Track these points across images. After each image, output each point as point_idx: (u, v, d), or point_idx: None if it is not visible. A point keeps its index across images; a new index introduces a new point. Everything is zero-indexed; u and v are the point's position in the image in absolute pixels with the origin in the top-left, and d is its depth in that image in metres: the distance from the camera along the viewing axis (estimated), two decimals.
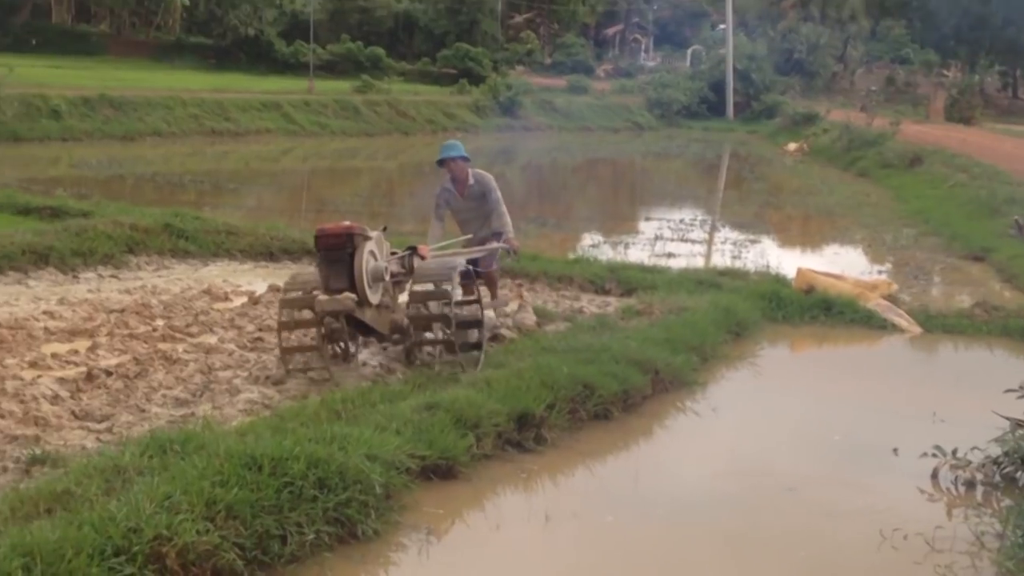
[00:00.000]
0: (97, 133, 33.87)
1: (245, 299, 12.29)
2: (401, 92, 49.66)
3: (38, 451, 7.18)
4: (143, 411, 8.35)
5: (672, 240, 19.58)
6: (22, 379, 8.83)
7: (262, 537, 6.04)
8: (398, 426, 7.55)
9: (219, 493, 6.06)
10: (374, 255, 9.17)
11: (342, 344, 9.95)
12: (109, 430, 7.88)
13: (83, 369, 9.24)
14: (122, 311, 11.32)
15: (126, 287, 12.67)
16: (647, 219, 22.96)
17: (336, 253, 8.94)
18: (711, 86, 61.00)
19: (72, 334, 10.38)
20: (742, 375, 10.99)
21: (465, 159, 11.00)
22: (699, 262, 17.42)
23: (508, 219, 11.18)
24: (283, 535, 6.13)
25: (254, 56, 66.80)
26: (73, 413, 8.21)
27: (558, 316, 12.18)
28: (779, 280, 14.39)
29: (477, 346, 9.88)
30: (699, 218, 23.79)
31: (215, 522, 5.91)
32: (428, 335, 9.96)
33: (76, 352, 9.78)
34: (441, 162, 11.06)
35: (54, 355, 9.60)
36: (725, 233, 21.36)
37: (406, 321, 9.68)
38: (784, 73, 65.68)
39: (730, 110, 60.05)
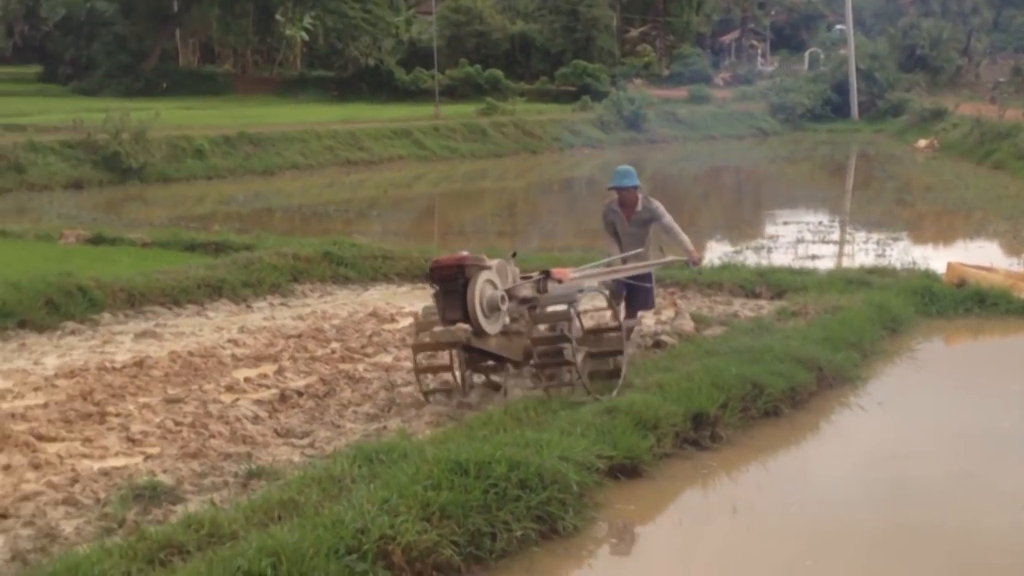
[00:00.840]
0: (239, 170, 35.14)
1: (410, 319, 12.80)
2: (525, 112, 50.30)
3: (253, 466, 7.72)
4: (338, 426, 8.89)
5: (813, 243, 19.71)
6: (222, 402, 9.45)
7: (474, 535, 6.48)
8: (582, 430, 7.94)
9: (432, 496, 6.52)
10: (492, 284, 9.13)
11: (490, 376, 9.98)
12: (311, 445, 8.43)
13: (275, 391, 9.82)
14: (299, 336, 11.93)
15: (297, 314, 13.30)
16: (785, 223, 23.06)
17: (451, 284, 8.98)
18: (834, 87, 60.43)
19: (258, 359, 10.99)
20: (902, 370, 11.16)
21: (637, 188, 11.07)
22: (844, 262, 17.54)
23: (684, 236, 11.27)
24: (492, 532, 6.55)
25: (375, 85, 68.21)
26: (275, 431, 8.77)
27: (714, 321, 12.46)
28: (929, 275, 14.46)
29: (615, 374, 9.59)
30: (837, 219, 23.86)
31: (431, 522, 6.36)
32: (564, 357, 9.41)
33: (266, 376, 10.38)
34: (615, 188, 11.14)
35: (246, 379, 10.21)
36: (865, 232, 21.39)
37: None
38: (907, 70, 64.71)
39: (855, 110, 59.39)
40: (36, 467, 7.91)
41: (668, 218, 11.14)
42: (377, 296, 14.60)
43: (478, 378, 9.98)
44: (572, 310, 9.15)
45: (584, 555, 6.83)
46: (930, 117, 50.32)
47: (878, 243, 19.46)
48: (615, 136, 48.55)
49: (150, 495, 7.18)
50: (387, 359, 11.11)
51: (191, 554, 6.00)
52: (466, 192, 35.58)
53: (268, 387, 10.02)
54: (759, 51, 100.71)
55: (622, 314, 10.76)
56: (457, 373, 9.64)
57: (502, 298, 9.12)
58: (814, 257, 17.92)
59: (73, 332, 12.20)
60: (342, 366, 10.73)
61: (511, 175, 39.21)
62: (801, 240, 19.86)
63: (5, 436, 8.41)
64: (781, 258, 17.70)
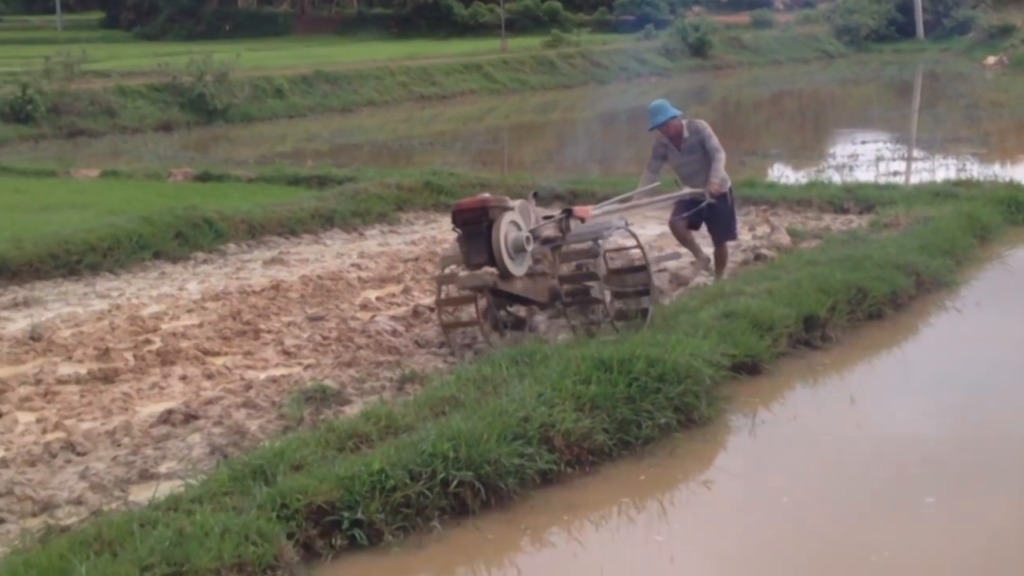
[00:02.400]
0: (318, 108, 35.99)
1: None
2: (590, 43, 50.59)
3: (405, 371, 8.48)
4: (472, 337, 9.60)
5: (893, 160, 20.14)
6: (360, 319, 10.20)
7: (621, 423, 7.17)
8: (703, 332, 8.58)
9: (582, 389, 7.21)
10: (516, 225, 8.85)
11: (511, 314, 9.70)
12: (451, 353, 9.16)
13: (406, 308, 10.56)
14: (416, 259, 12.67)
15: (408, 239, 14.04)
16: (863, 142, 23.46)
17: (474, 227, 8.71)
18: (898, 7, 60.13)
19: (382, 281, 11.75)
20: (994, 275, 11.69)
21: (675, 117, 10.74)
22: (925, 177, 17.96)
23: (721, 165, 10.76)
24: (637, 421, 7.24)
25: (434, 21, 68.63)
26: (416, 342, 9.52)
27: (808, 235, 13.03)
28: (1014, 186, 14.91)
29: (643, 312, 9.25)
30: (913, 136, 24.19)
31: (584, 411, 7.06)
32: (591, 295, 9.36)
33: (394, 295, 11.12)
34: (654, 128, 10.85)
35: (378, 298, 10.96)
36: (943, 148, 21.76)
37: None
38: None
39: (920, 30, 59.09)
40: (209, 377, 8.71)
41: (714, 140, 10.77)
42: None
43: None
44: (598, 247, 9.03)
45: (719, 441, 7.49)
46: (997, 34, 50.09)
47: (958, 157, 19.85)
48: (681, 64, 48.78)
49: (320, 397, 7.95)
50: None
51: (374, 442, 6.74)
52: (536, 124, 36.04)
53: (399, 305, 10.76)
54: None
55: (700, 245, 11.07)
56: (482, 320, 9.30)
57: (527, 239, 8.84)
58: (895, 173, 18.38)
59: (205, 261, 13.04)
60: None
61: (580, 106, 39.59)
62: (881, 158, 20.28)
63: (176, 351, 9.23)
64: (863, 175, 18.17)
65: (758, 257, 11.95)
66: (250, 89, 34.59)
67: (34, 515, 6.35)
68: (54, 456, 7.16)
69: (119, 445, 7.34)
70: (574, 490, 6.70)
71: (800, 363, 8.93)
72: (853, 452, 7.31)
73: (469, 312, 9.57)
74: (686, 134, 10.77)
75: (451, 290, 9.48)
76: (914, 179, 17.58)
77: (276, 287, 11.39)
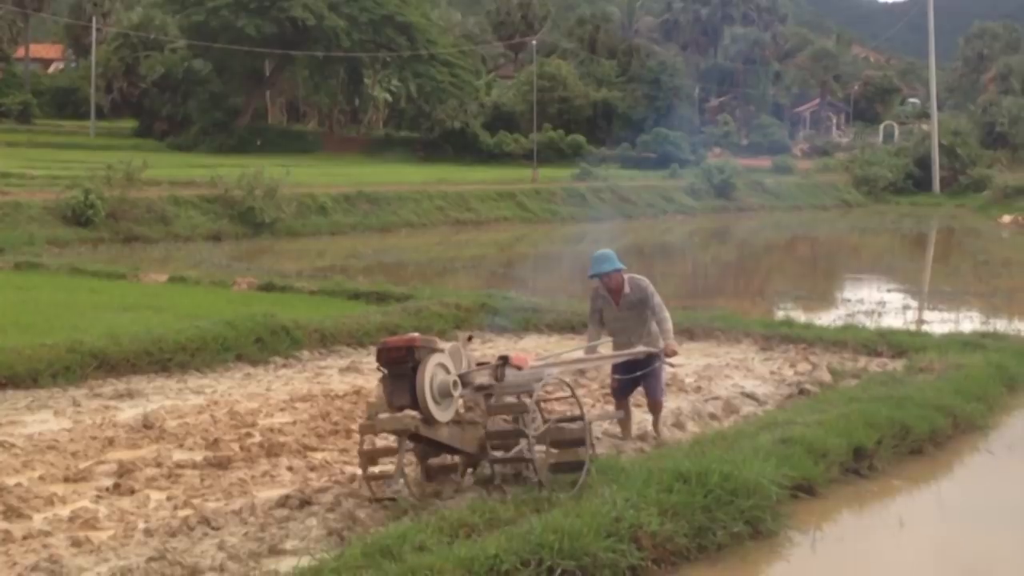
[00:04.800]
0: (359, 226, 37.44)
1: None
2: (618, 178, 52.17)
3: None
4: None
5: (924, 308, 21.19)
6: None
7: (699, 529, 8.00)
8: (763, 455, 9.46)
9: (664, 497, 8.06)
10: (444, 368, 8.45)
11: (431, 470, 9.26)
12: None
13: None
14: None
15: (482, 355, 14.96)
16: (888, 291, 24.52)
17: (399, 367, 8.32)
18: (916, 161, 61.97)
19: None
20: (1023, 421, 12.58)
21: (619, 270, 10.39)
22: (949, 327, 18.90)
23: (670, 324, 10.54)
24: (712, 529, 8.08)
25: (460, 147, 70.56)
26: None
27: (847, 374, 13.96)
28: None
29: (578, 466, 8.74)
30: (932, 287, 25.26)
31: (667, 516, 7.90)
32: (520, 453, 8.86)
33: None
34: (595, 276, 10.45)
35: None
36: (967, 300, 22.81)
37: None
38: (987, 146, 66.12)
39: (936, 184, 60.76)
40: (312, 469, 9.58)
41: (658, 299, 10.49)
42: (532, 344, 16.20)
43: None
44: (530, 402, 8.64)
45: (783, 554, 8.31)
46: (1013, 193, 51.62)
47: (980, 311, 20.87)
48: (705, 203, 50.33)
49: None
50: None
51: (481, 531, 7.58)
52: (565, 254, 37.19)
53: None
54: (835, 122, 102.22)
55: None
56: (399, 462, 8.72)
57: (454, 383, 8.44)
58: (922, 322, 19.37)
59: (284, 365, 13.99)
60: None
61: (606, 238, 40.72)
62: (907, 307, 21.32)
63: (279, 444, 10.12)
64: (891, 321, 19.15)
65: (802, 392, 12.88)
66: (296, 205, 35.97)
67: None
68: (192, 529, 8.01)
69: (246, 523, 8.18)
70: None
71: (850, 489, 9.78)
72: (900, 571, 8.15)
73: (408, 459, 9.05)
74: (627, 290, 10.39)
75: (374, 440, 9.18)
76: (939, 328, 18.52)
77: (357, 392, 12.30)
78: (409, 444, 8.84)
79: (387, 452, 8.97)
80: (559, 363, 10.10)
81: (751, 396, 12.86)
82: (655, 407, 10.93)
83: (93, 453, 9.86)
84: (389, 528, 7.68)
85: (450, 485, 9.04)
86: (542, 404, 9.46)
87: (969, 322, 19.53)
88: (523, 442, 8.65)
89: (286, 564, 7.30)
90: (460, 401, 8.70)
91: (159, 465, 9.50)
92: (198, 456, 9.82)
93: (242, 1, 65.70)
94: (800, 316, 19.20)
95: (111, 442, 10.18)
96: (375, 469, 8.87)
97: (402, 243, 35.84)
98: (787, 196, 55.42)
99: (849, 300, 22.81)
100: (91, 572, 7.20)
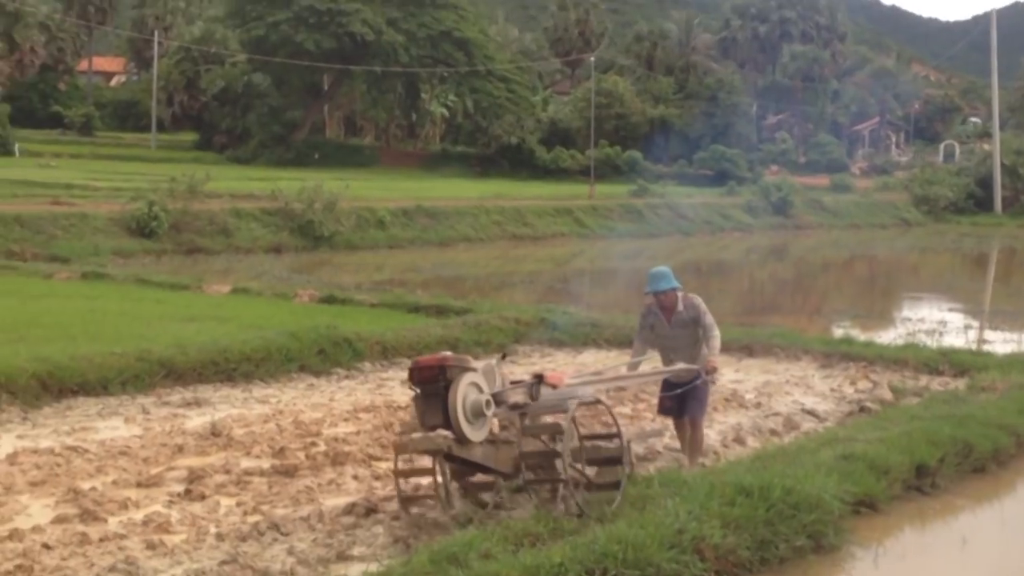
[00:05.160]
0: (417, 240, 37.75)
1: None
2: (675, 195, 52.20)
3: None
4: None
5: (987, 329, 21.07)
6: None
7: (761, 542, 8.05)
8: (825, 471, 9.49)
9: (726, 510, 8.12)
10: (477, 387, 8.36)
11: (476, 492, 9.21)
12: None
13: None
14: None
15: (527, 369, 15.04)
16: (949, 310, 24.39)
17: (431, 387, 8.25)
18: (977, 181, 61.46)
19: None
20: None
21: (675, 289, 10.29)
22: (1012, 347, 18.76)
23: (719, 343, 10.40)
24: (775, 542, 8.13)
25: (516, 162, 70.89)
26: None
27: (908, 392, 13.94)
28: None
29: (615, 485, 8.81)
30: (1006, 310, 25.12)
31: (730, 529, 7.96)
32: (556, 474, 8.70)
33: None
34: (652, 293, 10.35)
35: None
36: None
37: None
38: None
39: (998, 204, 60.17)
40: (377, 478, 9.74)
41: (710, 318, 10.35)
42: (591, 359, 16.28)
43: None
44: (565, 422, 8.53)
45: (845, 569, 8.33)
46: None
47: None
48: (763, 221, 50.23)
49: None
50: (626, 410, 12.78)
51: (545, 540, 7.68)
52: (622, 270, 37.27)
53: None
54: (894, 141, 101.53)
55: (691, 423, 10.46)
56: (436, 482, 8.74)
57: (487, 403, 8.31)
58: (983, 341, 19.25)
59: (347, 376, 14.17)
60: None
61: (663, 255, 40.77)
62: (968, 326, 21.20)
63: (344, 454, 10.28)
64: (952, 340, 19.03)
65: (863, 409, 12.87)
66: (355, 218, 36.34)
67: None
68: (262, 534, 8.18)
69: (314, 529, 8.35)
70: None
71: (912, 506, 9.78)
72: None
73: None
74: (680, 308, 10.28)
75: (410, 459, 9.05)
76: (1001, 348, 18.39)
77: None
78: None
79: (423, 472, 8.88)
80: (597, 380, 9.99)
81: (811, 413, 12.87)
82: (691, 425, 10.58)
83: (164, 459, 10.07)
84: (455, 536, 7.79)
85: (489, 502, 8.95)
86: (579, 424, 9.26)
87: None
88: (558, 463, 8.50)
89: (355, 570, 7.46)
90: (494, 420, 8.62)
91: (228, 472, 9.69)
92: (265, 464, 10.00)
93: (302, 16, 66.48)
94: (859, 335, 19.13)
95: (180, 449, 10.39)
96: (408, 488, 8.94)
97: (460, 257, 36.08)
98: (845, 214, 55.17)
99: (909, 319, 22.70)
100: (166, 574, 7.39)
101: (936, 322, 21.71)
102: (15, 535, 7.94)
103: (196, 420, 11.58)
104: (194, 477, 9.44)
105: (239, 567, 7.50)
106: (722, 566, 7.79)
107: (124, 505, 8.75)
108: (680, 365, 10.23)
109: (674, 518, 7.87)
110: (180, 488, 9.24)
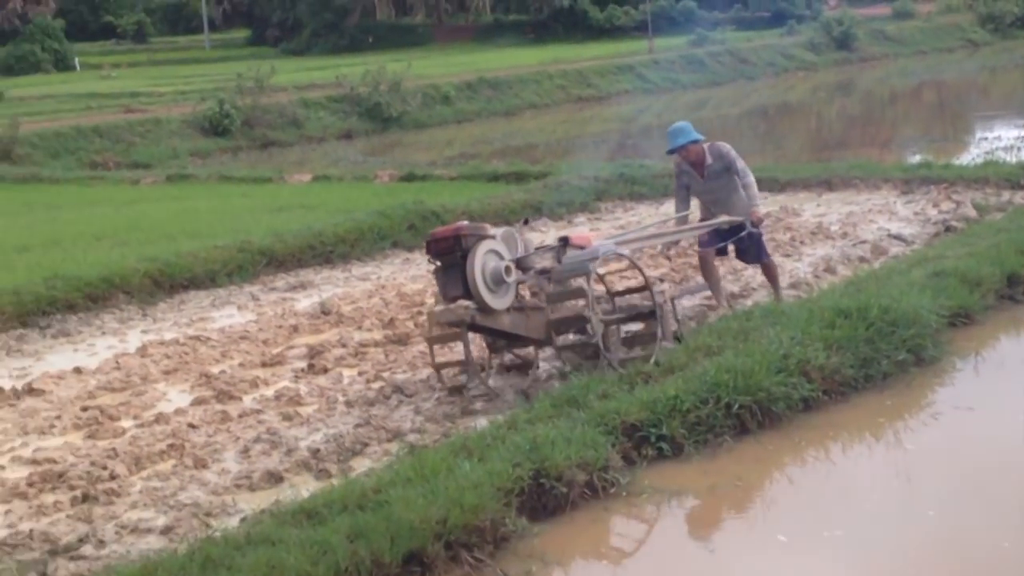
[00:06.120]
0: (483, 112, 37.91)
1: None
2: (735, 40, 51.59)
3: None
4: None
5: None
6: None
7: (864, 360, 8.38)
8: (918, 288, 9.74)
9: (827, 333, 8.45)
10: (497, 254, 8.23)
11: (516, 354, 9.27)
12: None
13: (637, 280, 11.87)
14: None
15: (614, 224, 15.38)
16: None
17: (449, 258, 8.12)
18: None
19: None
20: None
21: (696, 142, 10.04)
22: None
23: (755, 189, 10.16)
24: (877, 359, 8.46)
25: (570, 26, 70.12)
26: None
27: (992, 208, 14.07)
28: None
29: (651, 338, 8.77)
30: None
31: (832, 351, 8.30)
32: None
33: (623, 271, 12.40)
34: (673, 151, 10.17)
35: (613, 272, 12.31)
36: None
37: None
38: None
39: None
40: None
41: (741, 163, 10.09)
42: (672, 210, 16.49)
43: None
44: (586, 283, 8.40)
45: (947, 379, 8.65)
46: None
47: None
48: (827, 57, 49.59)
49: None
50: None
51: (657, 379, 8.04)
52: (688, 120, 37.17)
53: (629, 278, 12.08)
54: None
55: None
56: (476, 356, 8.82)
57: (507, 269, 8.21)
58: None
59: None
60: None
61: (728, 103, 40.63)
62: None
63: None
64: None
65: (948, 229, 13.05)
66: (420, 97, 36.53)
67: (388, 440, 7.83)
68: (387, 398, 8.67)
69: (435, 390, 8.80)
70: (831, 414, 7.97)
71: (1005, 315, 10.06)
72: None
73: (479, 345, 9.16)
74: (709, 160, 10.03)
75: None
76: None
77: None
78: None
79: (447, 338, 8.65)
80: (637, 238, 9.93)
81: (898, 237, 13.05)
82: (767, 271, 10.45)
83: (282, 340, 10.59)
84: (572, 381, 8.20)
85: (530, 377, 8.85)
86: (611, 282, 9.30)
87: None
88: (588, 326, 8.43)
89: (481, 422, 7.90)
90: (523, 287, 8.61)
91: (344, 346, 10.17)
92: (378, 335, 10.47)
93: None
94: (936, 160, 19.14)
95: (296, 329, 10.90)
96: (442, 359, 8.82)
97: (527, 125, 36.19)
98: (910, 42, 54.19)
99: (986, 138, 22.58)
100: (306, 440, 7.89)
101: (1014, 138, 21.58)
102: (161, 419, 8.49)
103: (304, 302, 12.08)
104: (314, 353, 9.94)
105: (372, 428, 7.98)
106: (829, 385, 8.16)
107: (254, 384, 9.27)
108: (724, 217, 10.03)
109: (778, 344, 8.22)
110: (303, 364, 9.74)
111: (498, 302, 8.16)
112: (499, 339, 8.83)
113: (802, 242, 13.11)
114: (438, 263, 8.26)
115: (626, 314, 9.02)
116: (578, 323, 8.59)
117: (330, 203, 17.67)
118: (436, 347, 8.73)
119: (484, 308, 8.09)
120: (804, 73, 46.97)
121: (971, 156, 19.35)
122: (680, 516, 6.77)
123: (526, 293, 8.76)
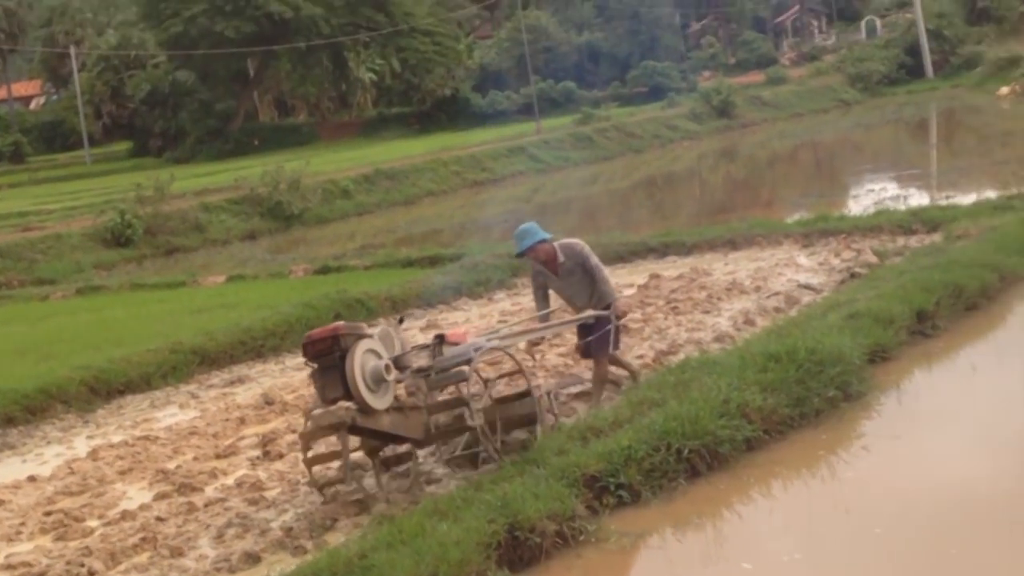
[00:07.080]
0: (383, 203, 38.24)
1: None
2: (619, 116, 52.90)
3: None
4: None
5: (946, 186, 22.07)
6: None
7: (798, 399, 8.90)
8: (836, 330, 10.31)
9: (761, 376, 8.96)
10: (375, 353, 8.12)
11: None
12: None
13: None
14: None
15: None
16: (908, 174, 25.41)
17: (327, 359, 7.98)
18: (906, 50, 62.59)
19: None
20: None
21: (544, 241, 9.76)
22: (973, 198, 19.69)
23: (611, 285, 10.05)
24: (809, 397, 8.98)
25: (453, 114, 70.93)
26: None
27: (890, 253, 14.84)
28: None
29: (531, 419, 8.84)
30: (959, 165, 26.15)
31: (768, 392, 8.80)
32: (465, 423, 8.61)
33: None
34: (521, 254, 9.97)
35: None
36: (984, 171, 23.64)
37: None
38: (973, 24, 66.50)
39: (929, 69, 61.39)
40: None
41: (594, 259, 9.90)
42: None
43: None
44: (468, 369, 8.45)
45: (874, 410, 9.19)
46: (1006, 65, 52.26)
47: (997, 180, 21.66)
48: (709, 126, 51.13)
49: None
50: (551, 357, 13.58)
51: (606, 433, 8.44)
52: (580, 197, 38.07)
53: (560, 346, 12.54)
54: (817, 26, 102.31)
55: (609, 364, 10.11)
56: (344, 458, 8.30)
57: (387, 368, 8.09)
58: (948, 196, 20.21)
59: None
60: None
61: (619, 176, 41.57)
62: (928, 186, 22.25)
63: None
64: (916, 202, 19.98)
65: (853, 275, 13.75)
66: (320, 193, 36.87)
67: (357, 514, 8.11)
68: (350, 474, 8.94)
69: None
70: (773, 452, 8.46)
71: (918, 349, 10.68)
72: (978, 414, 9.03)
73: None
74: (561, 258, 9.79)
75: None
76: (963, 200, 19.32)
77: None
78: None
79: (335, 456, 8.54)
80: (506, 336, 9.69)
81: (807, 286, 13.71)
82: (595, 362, 10.05)
83: (231, 432, 10.83)
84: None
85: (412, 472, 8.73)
86: (492, 387, 9.39)
87: (991, 190, 20.31)
88: (466, 412, 8.40)
89: (453, 485, 8.26)
90: (400, 386, 8.47)
91: (294, 431, 10.35)
92: None
93: (217, 5, 65.90)
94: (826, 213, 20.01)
95: (243, 421, 11.15)
96: (321, 471, 8.75)
97: (427, 212, 36.66)
98: (786, 105, 56.12)
99: (872, 190, 23.58)
100: (277, 520, 8.17)
101: (897, 189, 22.65)
102: (127, 515, 8.68)
103: (245, 395, 12.33)
104: (267, 441, 10.19)
105: (340, 504, 8.26)
106: (768, 425, 8.65)
107: (213, 474, 9.50)
108: (588, 312, 9.85)
109: (717, 391, 8.70)
110: (257, 452, 10.00)
111: (379, 402, 8.02)
112: (376, 440, 8.64)
113: (719, 298, 13.68)
114: (315, 365, 8.12)
115: (505, 415, 8.92)
116: (456, 407, 8.63)
117: (250, 300, 17.88)
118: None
119: (365, 408, 7.90)
120: (689, 142, 48.39)
121: (861, 207, 20.24)
122: (648, 556, 7.17)
123: (402, 393, 8.60)
